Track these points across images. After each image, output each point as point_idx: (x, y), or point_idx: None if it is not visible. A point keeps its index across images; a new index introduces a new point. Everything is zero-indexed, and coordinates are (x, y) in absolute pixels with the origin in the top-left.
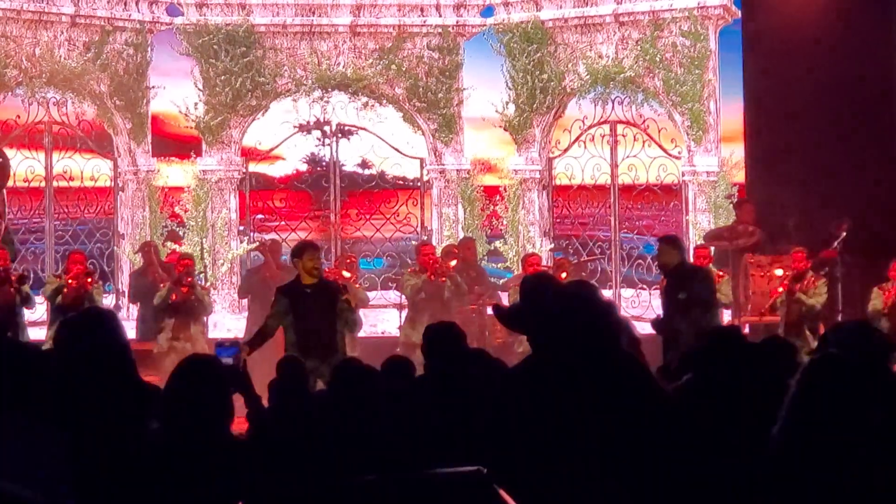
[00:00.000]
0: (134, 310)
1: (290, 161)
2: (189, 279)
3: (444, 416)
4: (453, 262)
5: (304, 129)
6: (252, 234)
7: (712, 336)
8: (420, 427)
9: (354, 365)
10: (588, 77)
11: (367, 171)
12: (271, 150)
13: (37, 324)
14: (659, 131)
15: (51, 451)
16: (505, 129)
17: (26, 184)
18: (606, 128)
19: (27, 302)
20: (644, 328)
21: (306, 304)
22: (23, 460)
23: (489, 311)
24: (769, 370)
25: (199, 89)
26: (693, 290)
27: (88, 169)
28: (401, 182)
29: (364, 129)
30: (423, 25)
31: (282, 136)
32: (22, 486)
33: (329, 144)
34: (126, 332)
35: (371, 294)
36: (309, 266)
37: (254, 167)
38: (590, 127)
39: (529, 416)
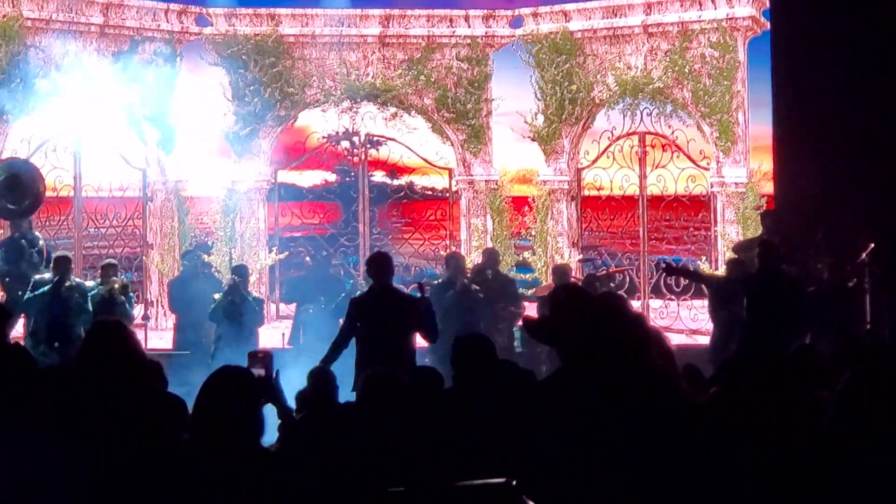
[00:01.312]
0: (163, 320)
1: (319, 172)
2: None
3: (473, 428)
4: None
5: (333, 139)
6: (279, 244)
7: (741, 348)
8: (449, 439)
9: (383, 375)
10: (617, 88)
11: (395, 182)
12: (300, 159)
13: None
14: (688, 142)
15: (67, 463)
16: (533, 140)
17: (55, 194)
18: (635, 139)
19: (82, 314)
20: (673, 339)
21: (378, 314)
22: (38, 471)
23: (518, 321)
24: (796, 378)
25: (227, 100)
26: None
27: (117, 179)
28: (429, 192)
29: (393, 139)
30: (452, 36)
31: (311, 146)
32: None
33: (358, 155)
34: (140, 343)
35: None
36: (380, 276)
37: (282, 177)
38: (618, 138)
39: (559, 428)
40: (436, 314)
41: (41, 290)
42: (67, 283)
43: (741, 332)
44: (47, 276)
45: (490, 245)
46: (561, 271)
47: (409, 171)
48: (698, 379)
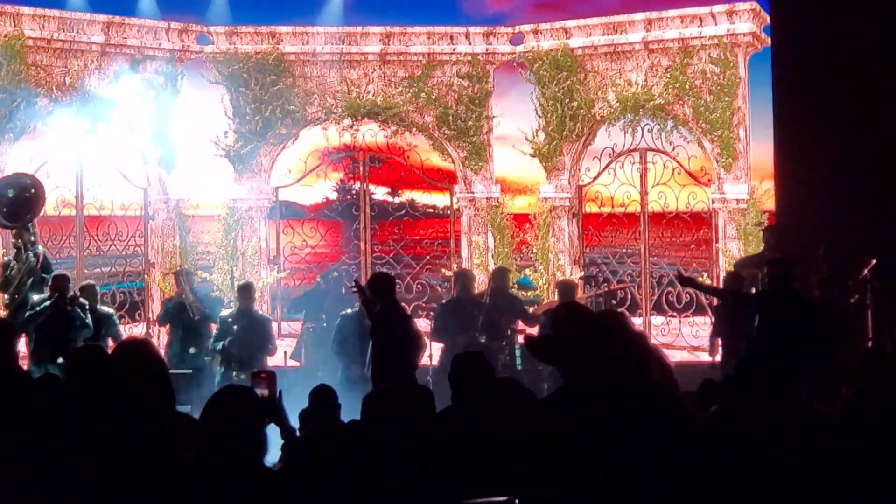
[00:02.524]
0: (164, 338)
1: (320, 189)
2: None
3: (474, 446)
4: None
5: (334, 157)
6: (282, 262)
7: (739, 365)
8: (451, 457)
9: (386, 394)
10: (618, 104)
11: (396, 200)
12: (301, 178)
13: None
14: (689, 159)
15: (72, 481)
16: (533, 156)
17: (57, 213)
18: (636, 155)
19: (83, 330)
20: (674, 356)
21: (389, 332)
22: (45, 490)
23: (519, 339)
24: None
25: (228, 118)
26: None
27: (119, 198)
28: (430, 210)
29: (394, 156)
30: (452, 53)
31: (311, 164)
32: None
33: (359, 173)
34: (165, 361)
35: None
36: (385, 297)
37: (284, 195)
38: (619, 154)
39: (560, 446)
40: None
41: (42, 306)
42: (70, 294)
43: (746, 347)
44: (42, 296)
45: (492, 262)
46: (565, 287)
47: (411, 185)
48: (717, 392)
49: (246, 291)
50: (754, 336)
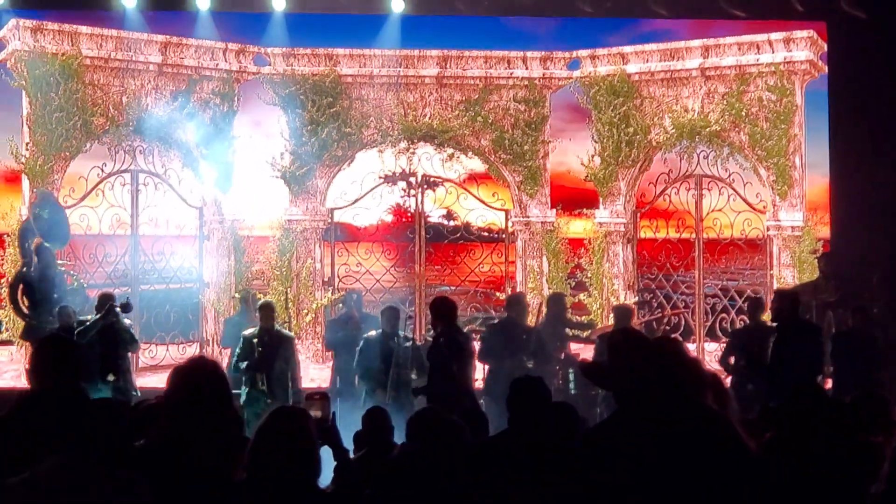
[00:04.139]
0: (219, 359)
1: (376, 212)
2: None
3: (527, 470)
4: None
5: (390, 180)
6: (337, 284)
7: (794, 392)
8: (503, 480)
9: (439, 417)
10: (674, 130)
11: (451, 223)
12: (356, 200)
13: None
14: (744, 185)
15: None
16: (587, 180)
17: (112, 232)
18: (692, 181)
19: (131, 344)
20: (727, 382)
21: (451, 357)
22: None
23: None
24: (858, 426)
25: (285, 139)
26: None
27: (174, 218)
28: (486, 234)
29: (449, 180)
30: (509, 77)
31: (367, 186)
32: None
33: (414, 195)
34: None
35: None
36: (445, 320)
37: (338, 217)
38: (675, 180)
39: (616, 471)
40: (490, 354)
41: (91, 322)
42: (123, 301)
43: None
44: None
45: (546, 286)
46: (622, 312)
47: (466, 208)
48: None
49: (266, 310)
50: (769, 365)
